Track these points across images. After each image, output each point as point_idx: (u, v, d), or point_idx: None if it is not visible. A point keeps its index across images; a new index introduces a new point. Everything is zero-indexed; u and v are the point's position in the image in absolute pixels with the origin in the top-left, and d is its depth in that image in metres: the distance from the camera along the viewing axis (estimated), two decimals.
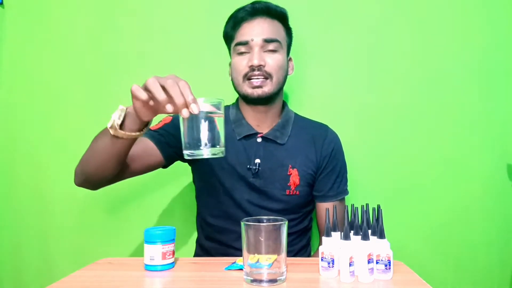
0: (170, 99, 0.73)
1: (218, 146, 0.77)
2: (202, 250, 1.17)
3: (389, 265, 0.77)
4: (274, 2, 1.11)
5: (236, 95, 1.16)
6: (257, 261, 0.72)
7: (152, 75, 1.38)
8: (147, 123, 0.84)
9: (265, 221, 0.75)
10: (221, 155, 0.78)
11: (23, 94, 1.41)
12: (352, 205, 0.82)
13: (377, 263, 0.77)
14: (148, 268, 0.83)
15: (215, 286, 0.76)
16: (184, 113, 0.72)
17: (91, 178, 0.95)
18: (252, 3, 1.08)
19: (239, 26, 1.08)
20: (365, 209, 0.80)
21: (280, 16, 1.09)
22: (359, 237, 0.78)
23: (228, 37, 1.12)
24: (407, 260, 0.88)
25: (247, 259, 0.74)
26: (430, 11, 1.34)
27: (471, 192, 1.33)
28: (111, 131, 0.82)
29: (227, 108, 1.17)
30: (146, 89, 0.75)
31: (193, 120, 0.75)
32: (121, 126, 0.82)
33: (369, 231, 0.79)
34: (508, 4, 1.33)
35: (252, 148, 1.09)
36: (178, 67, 1.37)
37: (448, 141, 1.34)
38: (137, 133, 0.83)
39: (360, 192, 1.30)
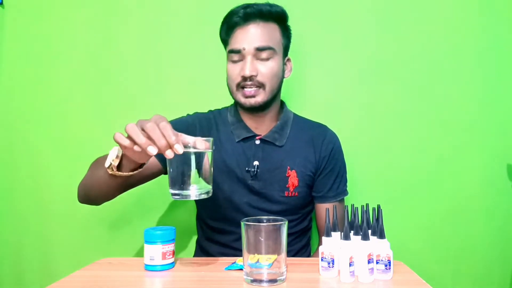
0: (152, 141, 0.71)
1: (205, 186, 0.75)
2: (202, 251, 1.16)
3: (389, 265, 0.77)
4: (273, 2, 1.08)
5: None
6: (257, 261, 0.73)
7: (151, 75, 1.40)
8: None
9: (265, 221, 0.75)
10: (205, 196, 0.76)
11: (23, 94, 1.41)
12: (352, 205, 0.82)
13: (377, 263, 0.77)
14: (148, 268, 0.83)
15: (215, 286, 0.76)
16: (168, 154, 0.71)
17: (94, 201, 1.01)
18: (244, 7, 1.04)
19: (231, 31, 1.05)
20: (365, 209, 0.80)
21: (275, 17, 1.05)
22: (359, 237, 0.78)
23: (223, 41, 1.10)
24: (407, 260, 0.88)
25: (247, 259, 0.74)
26: (428, 10, 1.34)
27: (471, 192, 1.33)
28: (109, 171, 0.81)
29: (225, 109, 1.17)
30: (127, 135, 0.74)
31: (179, 160, 0.73)
32: (119, 165, 0.82)
33: (369, 231, 0.79)
34: (507, 3, 1.33)
35: (251, 150, 1.09)
36: (178, 66, 1.37)
37: (448, 141, 1.33)
38: (135, 172, 0.84)
39: (360, 192, 1.30)
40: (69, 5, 1.40)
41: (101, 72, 1.39)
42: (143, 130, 0.72)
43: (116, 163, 0.81)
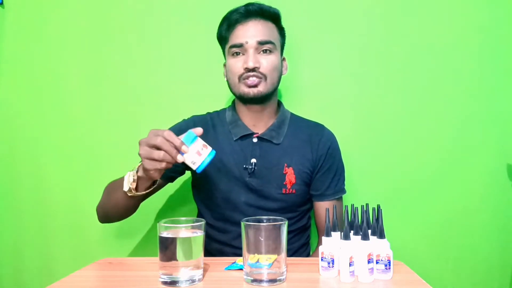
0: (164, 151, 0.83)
1: (196, 270, 0.75)
2: None
3: (389, 265, 0.77)
4: (268, 2, 1.11)
5: (232, 98, 1.16)
6: (257, 261, 0.73)
7: (150, 74, 1.39)
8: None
9: (265, 221, 0.75)
10: (197, 282, 0.75)
11: (23, 94, 1.41)
12: (352, 205, 0.82)
13: (377, 263, 0.77)
14: (202, 167, 0.85)
15: (215, 286, 0.76)
16: (179, 158, 0.83)
17: (113, 220, 1.11)
18: (246, 5, 1.09)
19: (233, 28, 1.08)
20: (365, 209, 0.80)
21: (273, 17, 1.10)
22: (359, 237, 0.78)
23: (223, 39, 1.12)
24: (407, 260, 0.88)
25: (247, 259, 0.74)
26: (425, 9, 1.34)
27: (471, 192, 1.33)
28: (129, 194, 0.93)
29: (224, 110, 1.18)
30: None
31: (171, 245, 0.74)
32: (136, 187, 0.93)
33: (369, 231, 0.79)
34: (507, 3, 1.33)
35: (248, 148, 1.10)
36: (175, 67, 1.37)
37: (448, 141, 1.33)
38: (150, 189, 0.96)
39: (360, 192, 1.30)
40: (69, 5, 1.40)
41: (101, 72, 1.39)
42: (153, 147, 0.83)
43: (134, 186, 0.92)
